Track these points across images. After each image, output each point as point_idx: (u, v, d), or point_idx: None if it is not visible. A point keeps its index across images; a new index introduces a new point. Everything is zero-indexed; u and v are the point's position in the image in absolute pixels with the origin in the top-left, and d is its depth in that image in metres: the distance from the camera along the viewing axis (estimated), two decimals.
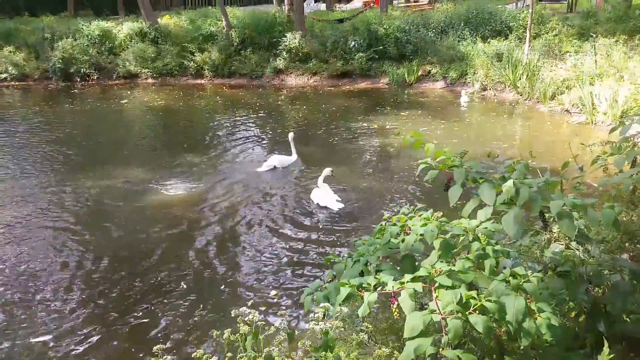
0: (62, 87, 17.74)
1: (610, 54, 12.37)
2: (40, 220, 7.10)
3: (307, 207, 7.32)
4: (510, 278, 1.98)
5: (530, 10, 14.19)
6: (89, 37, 18.47)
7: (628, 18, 15.01)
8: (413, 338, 1.81)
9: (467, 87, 14.57)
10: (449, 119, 11.68)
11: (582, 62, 12.39)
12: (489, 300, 1.85)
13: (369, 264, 2.31)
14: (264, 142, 11.02)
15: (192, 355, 2.17)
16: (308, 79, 16.83)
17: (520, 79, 13.24)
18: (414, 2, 27.44)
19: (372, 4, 24.70)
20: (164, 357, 2.16)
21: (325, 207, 7.12)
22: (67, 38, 18.25)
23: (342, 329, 2.02)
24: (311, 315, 2.03)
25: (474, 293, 1.90)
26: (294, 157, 8.93)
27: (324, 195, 7.16)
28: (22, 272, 5.78)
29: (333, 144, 10.45)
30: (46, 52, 18.33)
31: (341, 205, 6.99)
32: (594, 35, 13.79)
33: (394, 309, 1.91)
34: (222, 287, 5.44)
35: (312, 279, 5.43)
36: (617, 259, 2.35)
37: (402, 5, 26.21)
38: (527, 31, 14.11)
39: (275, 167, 8.74)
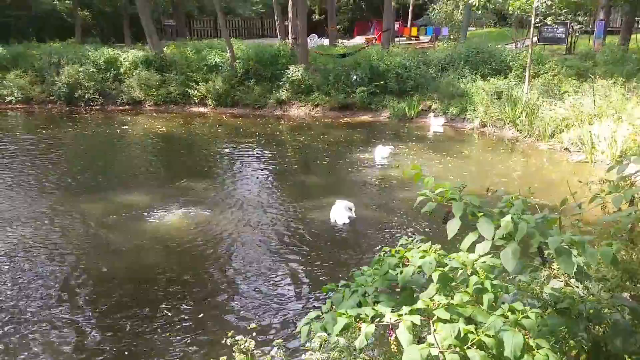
0: (65, 112, 17.92)
1: (608, 95, 12.56)
2: (39, 242, 7.06)
3: (307, 235, 7.31)
4: (509, 313, 1.96)
5: (529, 51, 14.47)
6: (95, 63, 18.77)
7: (625, 61, 15.32)
8: None
9: (436, 115, 15.40)
10: (448, 153, 11.76)
11: (581, 102, 12.56)
12: (487, 335, 1.83)
13: (366, 294, 2.29)
14: (262, 168, 11.07)
15: None
16: (310, 111, 17.01)
17: (519, 116, 13.36)
18: (415, 40, 28.00)
19: (374, 41, 25.20)
20: None
21: (330, 230, 7.41)
22: (73, 64, 18.55)
23: (339, 359, 1.99)
24: (308, 345, 2.00)
25: (472, 327, 1.88)
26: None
27: (340, 210, 7.67)
28: (20, 295, 5.71)
29: (333, 173, 10.49)
30: (52, 77, 18.58)
31: (347, 221, 7.59)
32: (593, 77, 14.02)
33: (391, 342, 1.88)
34: (218, 313, 5.38)
35: (309, 308, 5.37)
36: (617, 297, 2.33)
37: (404, 42, 26.74)
38: (527, 70, 14.34)
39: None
